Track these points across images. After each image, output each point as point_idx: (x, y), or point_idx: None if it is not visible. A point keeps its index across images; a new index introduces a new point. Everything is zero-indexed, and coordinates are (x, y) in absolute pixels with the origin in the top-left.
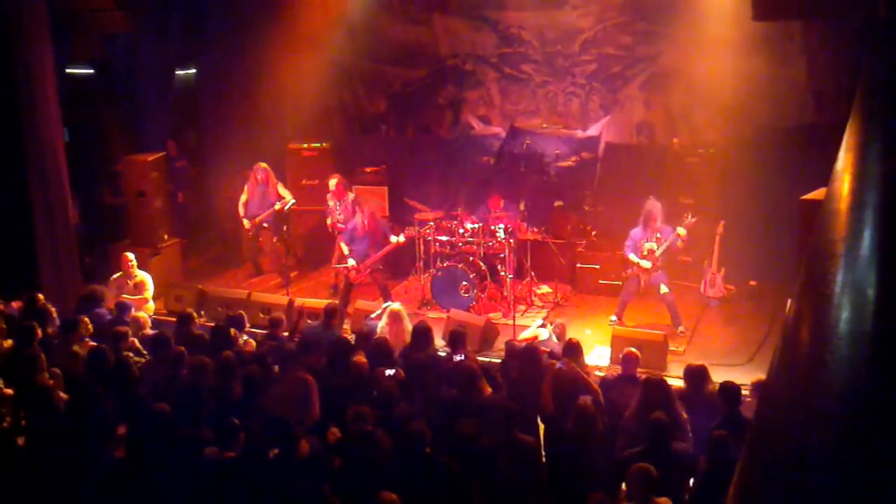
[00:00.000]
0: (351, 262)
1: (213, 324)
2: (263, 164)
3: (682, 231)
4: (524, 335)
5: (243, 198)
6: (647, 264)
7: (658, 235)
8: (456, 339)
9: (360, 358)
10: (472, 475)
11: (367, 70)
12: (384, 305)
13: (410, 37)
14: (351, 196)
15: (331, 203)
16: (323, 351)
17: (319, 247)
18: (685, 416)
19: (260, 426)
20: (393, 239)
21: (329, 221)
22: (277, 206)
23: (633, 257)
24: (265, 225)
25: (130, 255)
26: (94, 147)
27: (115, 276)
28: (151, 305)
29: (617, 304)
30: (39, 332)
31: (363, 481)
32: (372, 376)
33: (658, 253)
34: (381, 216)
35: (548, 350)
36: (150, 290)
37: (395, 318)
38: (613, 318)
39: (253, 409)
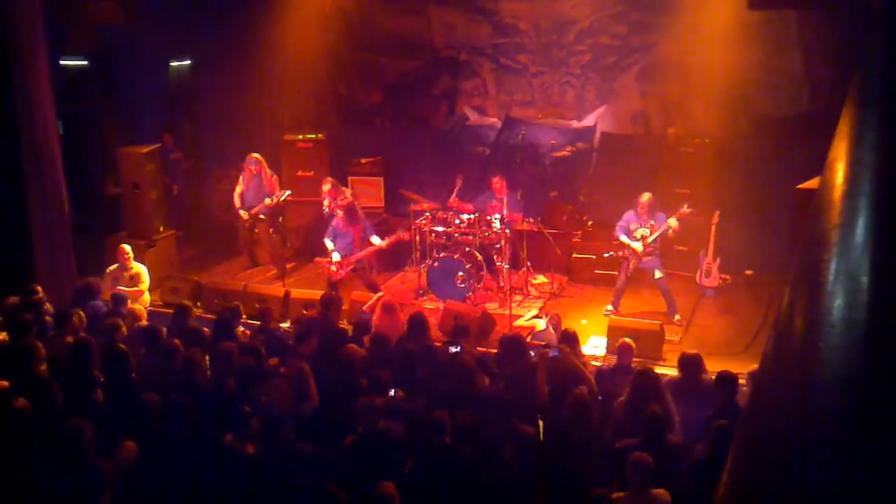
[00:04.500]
0: (336, 256)
1: (209, 316)
2: (256, 155)
3: (673, 222)
4: (521, 321)
5: (239, 189)
6: (637, 245)
7: (652, 223)
8: (456, 331)
9: (355, 347)
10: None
11: (362, 61)
12: (376, 296)
13: (406, 27)
14: (347, 192)
15: (325, 202)
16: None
17: (315, 238)
18: (673, 406)
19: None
20: (374, 241)
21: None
22: (268, 201)
23: (624, 239)
24: (262, 216)
25: (127, 247)
26: (89, 139)
27: (111, 267)
28: (147, 297)
29: (612, 294)
30: (34, 324)
31: (371, 475)
32: (366, 367)
33: (650, 240)
34: (364, 213)
35: (543, 342)
36: (145, 282)
37: (388, 309)
38: (609, 307)
39: (248, 400)
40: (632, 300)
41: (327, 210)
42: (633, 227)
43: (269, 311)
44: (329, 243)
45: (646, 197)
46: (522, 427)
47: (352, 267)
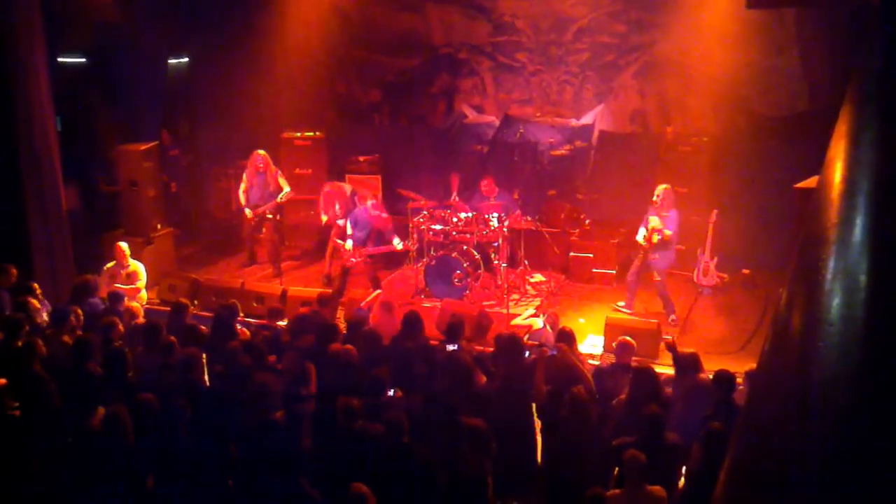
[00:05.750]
0: (349, 243)
1: (206, 313)
2: (262, 152)
3: (667, 233)
4: (518, 321)
5: (243, 186)
6: (640, 237)
7: (665, 214)
8: (452, 329)
9: (350, 347)
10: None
11: (360, 59)
12: (374, 293)
13: (404, 26)
14: (347, 189)
15: (338, 208)
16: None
17: (313, 236)
18: (672, 404)
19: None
20: (395, 242)
21: (325, 219)
22: (279, 199)
23: (640, 231)
24: (269, 215)
25: (124, 245)
26: (87, 136)
27: (108, 265)
28: (144, 295)
29: (610, 291)
30: (29, 322)
31: (347, 474)
32: (362, 367)
33: (658, 236)
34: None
35: (539, 342)
36: (142, 280)
37: (386, 307)
38: (622, 303)
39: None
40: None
41: (326, 220)
42: (649, 217)
43: (279, 309)
44: (348, 226)
45: (659, 189)
46: (470, 421)
47: (362, 258)
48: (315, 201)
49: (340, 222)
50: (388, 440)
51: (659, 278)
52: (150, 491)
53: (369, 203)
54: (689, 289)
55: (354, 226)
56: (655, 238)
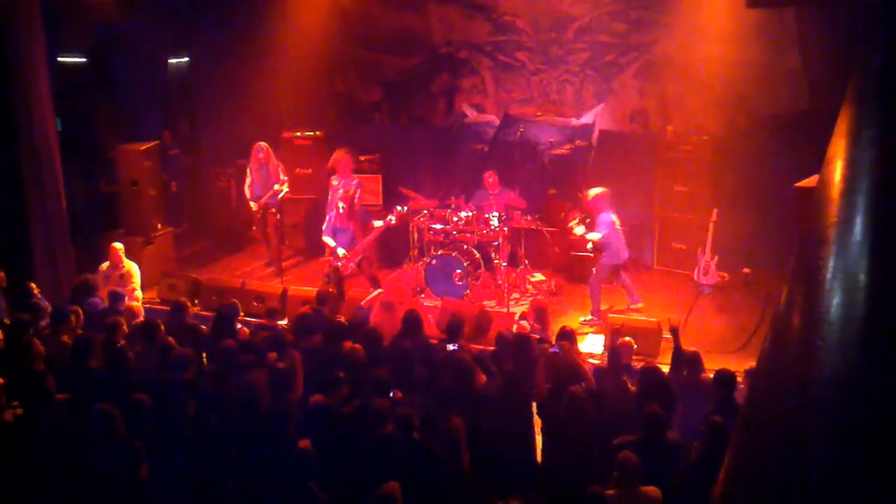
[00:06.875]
0: (341, 251)
1: (207, 313)
2: (263, 144)
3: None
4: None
5: (248, 180)
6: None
7: (596, 217)
8: (452, 328)
9: (358, 346)
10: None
11: (360, 58)
12: (375, 292)
13: (404, 25)
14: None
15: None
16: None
17: (313, 235)
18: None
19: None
20: (376, 224)
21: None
22: (276, 188)
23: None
24: (273, 210)
25: (119, 246)
26: (88, 136)
27: (102, 266)
28: (140, 295)
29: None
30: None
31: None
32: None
33: (590, 244)
34: (360, 203)
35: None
36: (137, 281)
37: (387, 307)
38: (628, 303)
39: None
40: (625, 299)
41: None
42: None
43: (276, 310)
44: (329, 240)
45: (591, 194)
46: (454, 419)
47: (359, 257)
48: (315, 200)
49: (326, 238)
50: (399, 437)
51: (595, 270)
52: (150, 491)
53: (340, 208)
54: (689, 288)
55: (334, 234)
56: (589, 245)
